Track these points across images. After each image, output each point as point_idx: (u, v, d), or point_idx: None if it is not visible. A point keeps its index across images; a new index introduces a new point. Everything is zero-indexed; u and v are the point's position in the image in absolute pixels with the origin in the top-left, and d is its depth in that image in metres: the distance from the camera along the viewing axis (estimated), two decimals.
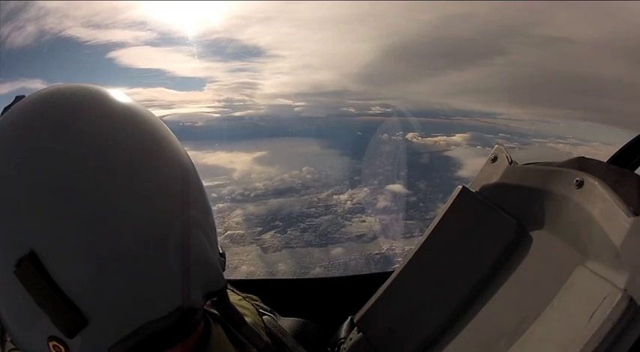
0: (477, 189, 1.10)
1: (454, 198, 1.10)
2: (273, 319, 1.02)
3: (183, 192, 0.76)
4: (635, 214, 0.76)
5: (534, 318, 0.83)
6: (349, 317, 1.19)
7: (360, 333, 1.11)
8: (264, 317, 1.01)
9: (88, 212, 0.67)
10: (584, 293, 0.78)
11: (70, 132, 0.69)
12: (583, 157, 0.96)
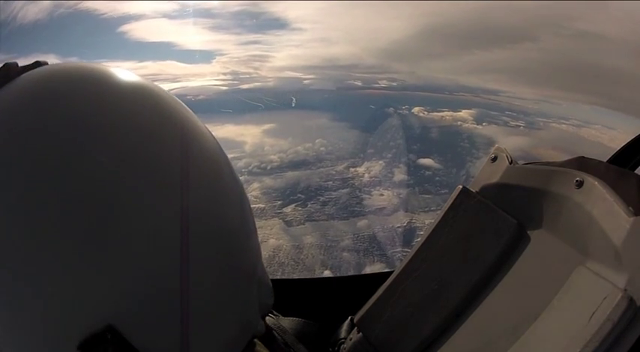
0: (477, 189, 1.10)
1: (454, 198, 1.10)
2: (274, 319, 1.02)
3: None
4: (635, 214, 0.76)
5: (534, 318, 0.83)
6: (349, 317, 1.19)
7: (360, 333, 1.11)
8: (265, 317, 1.01)
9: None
10: (584, 293, 0.78)
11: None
12: (583, 157, 0.96)
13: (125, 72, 0.69)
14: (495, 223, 1.03)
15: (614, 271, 0.74)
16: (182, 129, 0.68)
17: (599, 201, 0.83)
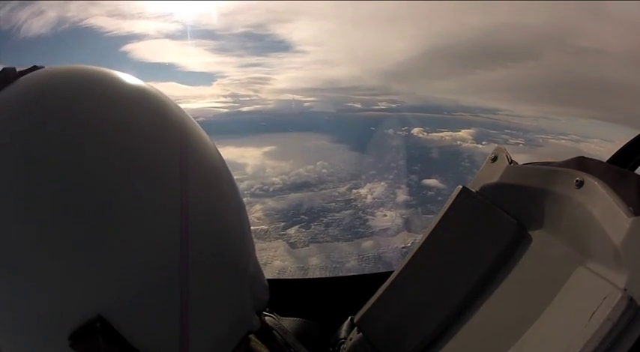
0: (477, 189, 1.10)
1: (454, 198, 1.10)
2: (274, 319, 1.02)
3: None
4: (635, 214, 0.76)
5: (534, 318, 0.83)
6: (349, 317, 1.19)
7: (360, 333, 1.11)
8: (265, 317, 1.01)
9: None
10: (584, 293, 0.78)
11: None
12: (583, 157, 0.96)
13: (125, 74, 0.70)
14: (495, 223, 1.03)
15: (614, 271, 0.74)
16: (180, 127, 0.69)
17: (599, 201, 0.83)
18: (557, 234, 0.93)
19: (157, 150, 0.64)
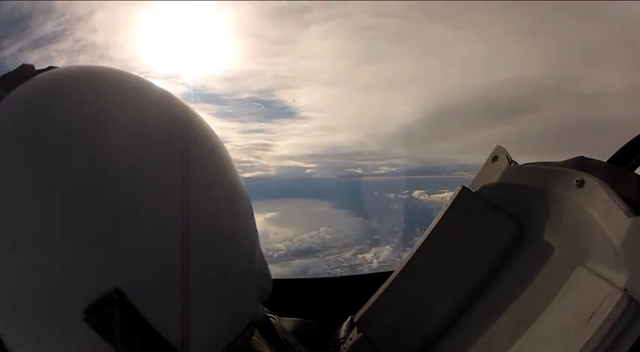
0: (477, 189, 1.10)
1: (454, 198, 1.10)
2: (274, 319, 1.02)
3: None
4: (635, 214, 0.76)
5: (534, 318, 0.83)
6: (349, 317, 1.19)
7: (360, 333, 1.11)
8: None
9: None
10: (584, 293, 0.78)
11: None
12: (583, 157, 0.96)
13: (136, 75, 0.73)
14: (495, 223, 1.03)
15: (614, 271, 0.74)
16: (186, 123, 0.73)
17: (599, 201, 0.83)
18: (557, 234, 0.93)
19: (160, 135, 0.67)
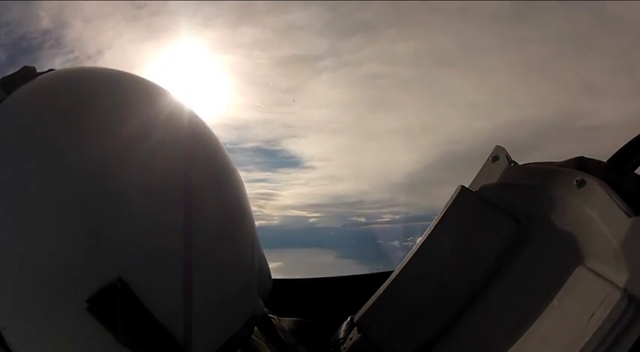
0: (477, 189, 1.10)
1: (454, 197, 1.10)
2: (274, 319, 1.02)
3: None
4: (636, 214, 0.76)
5: (534, 318, 0.83)
6: (349, 317, 1.19)
7: (360, 333, 1.11)
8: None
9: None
10: (584, 293, 0.78)
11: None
12: (583, 157, 0.96)
13: (138, 76, 0.74)
14: (495, 223, 1.03)
15: (614, 271, 0.74)
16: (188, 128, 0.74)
17: (599, 201, 0.83)
18: (557, 234, 0.93)
19: (164, 145, 0.68)
